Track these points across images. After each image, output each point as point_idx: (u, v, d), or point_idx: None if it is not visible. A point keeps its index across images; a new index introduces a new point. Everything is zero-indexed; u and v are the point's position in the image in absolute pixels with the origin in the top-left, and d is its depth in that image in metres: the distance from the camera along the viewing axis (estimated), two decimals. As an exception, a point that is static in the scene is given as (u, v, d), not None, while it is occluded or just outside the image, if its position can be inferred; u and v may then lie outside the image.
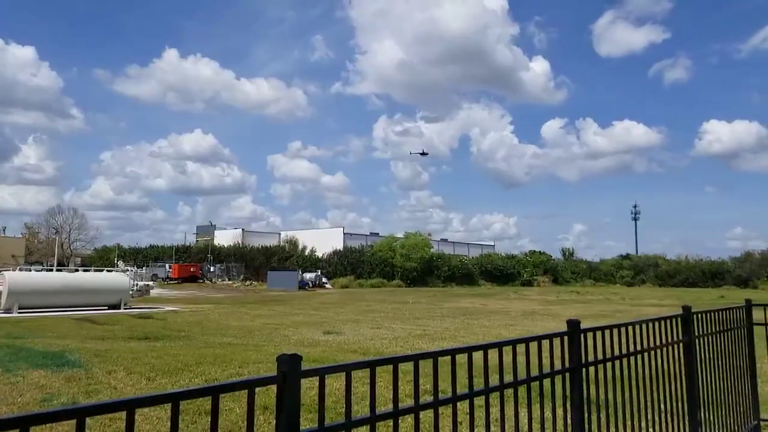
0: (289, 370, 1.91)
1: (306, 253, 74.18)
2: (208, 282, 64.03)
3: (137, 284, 29.31)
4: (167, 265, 66.45)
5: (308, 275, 60.04)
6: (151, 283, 34.27)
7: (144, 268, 62.30)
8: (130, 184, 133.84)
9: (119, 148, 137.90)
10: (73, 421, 1.53)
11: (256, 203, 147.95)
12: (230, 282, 63.86)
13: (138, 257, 74.76)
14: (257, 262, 70.13)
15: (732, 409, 5.40)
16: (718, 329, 5.33)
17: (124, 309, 25.41)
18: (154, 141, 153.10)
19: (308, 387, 6.87)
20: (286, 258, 71.57)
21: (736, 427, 5.42)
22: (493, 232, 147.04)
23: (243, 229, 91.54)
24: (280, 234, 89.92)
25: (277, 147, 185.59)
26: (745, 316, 5.93)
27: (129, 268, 38.11)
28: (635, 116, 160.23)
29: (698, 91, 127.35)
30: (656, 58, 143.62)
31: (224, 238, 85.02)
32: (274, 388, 1.93)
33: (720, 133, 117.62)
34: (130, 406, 1.61)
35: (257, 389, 1.91)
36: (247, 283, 62.62)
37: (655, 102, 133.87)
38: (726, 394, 5.32)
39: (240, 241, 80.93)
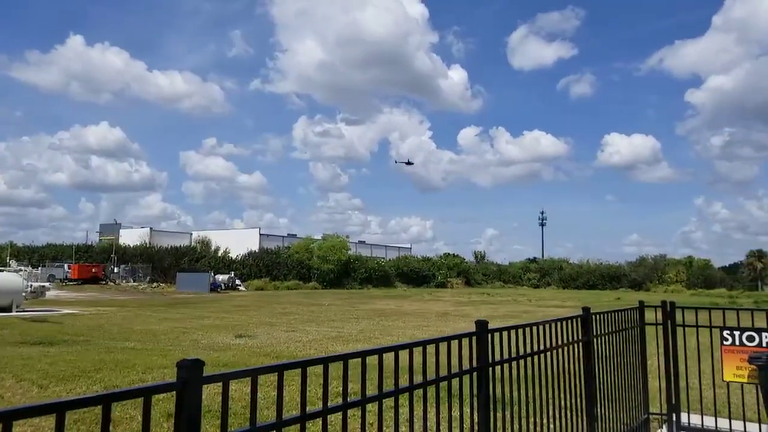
0: (190, 376, 1.82)
1: (219, 254, 71.94)
2: (112, 283, 60.57)
3: (31, 285, 27.30)
4: (66, 266, 62.23)
5: (221, 277, 58.23)
6: (47, 284, 32.14)
7: (40, 268, 58.25)
8: (26, 177, 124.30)
9: (15, 139, 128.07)
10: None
11: (166, 201, 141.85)
12: (136, 284, 60.72)
13: (34, 256, 69.61)
14: (166, 263, 67.09)
15: (625, 404, 5.76)
16: (614, 329, 5.67)
17: (16, 312, 23.57)
18: (55, 132, 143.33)
19: (216, 392, 6.67)
20: (197, 259, 69.03)
21: (628, 421, 5.78)
22: (410, 234, 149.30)
23: (151, 228, 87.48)
24: (191, 234, 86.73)
25: (191, 143, 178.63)
26: (638, 316, 6.35)
27: (23, 267, 35.42)
28: (544, 127, 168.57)
29: (601, 105, 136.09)
30: (564, 72, 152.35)
31: (130, 237, 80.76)
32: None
33: (619, 146, 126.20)
34: (4, 417, 1.45)
35: (163, 395, 1.81)
36: (155, 285, 59.79)
37: (563, 114, 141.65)
38: (620, 390, 5.67)
39: (148, 241, 77.18)
